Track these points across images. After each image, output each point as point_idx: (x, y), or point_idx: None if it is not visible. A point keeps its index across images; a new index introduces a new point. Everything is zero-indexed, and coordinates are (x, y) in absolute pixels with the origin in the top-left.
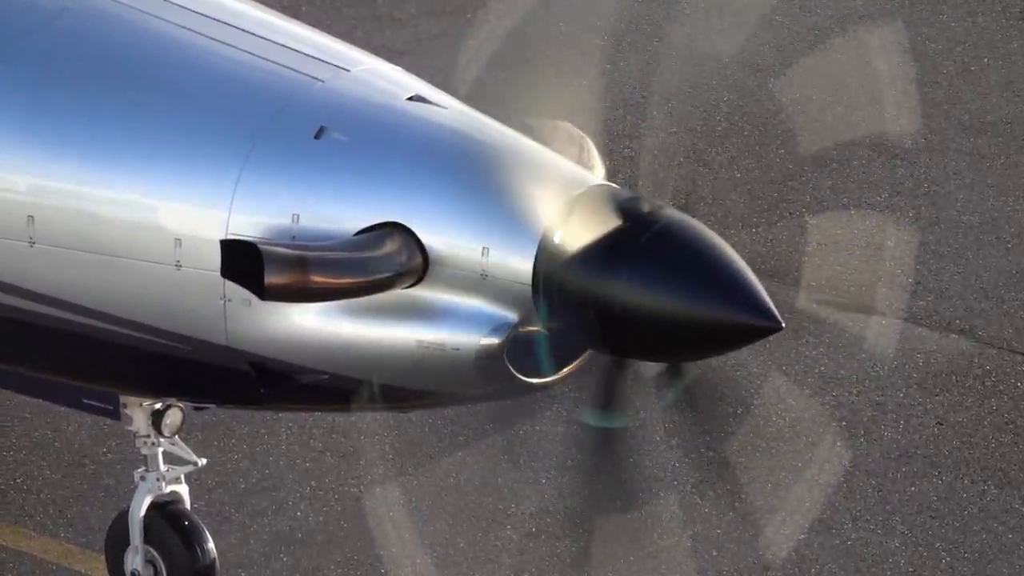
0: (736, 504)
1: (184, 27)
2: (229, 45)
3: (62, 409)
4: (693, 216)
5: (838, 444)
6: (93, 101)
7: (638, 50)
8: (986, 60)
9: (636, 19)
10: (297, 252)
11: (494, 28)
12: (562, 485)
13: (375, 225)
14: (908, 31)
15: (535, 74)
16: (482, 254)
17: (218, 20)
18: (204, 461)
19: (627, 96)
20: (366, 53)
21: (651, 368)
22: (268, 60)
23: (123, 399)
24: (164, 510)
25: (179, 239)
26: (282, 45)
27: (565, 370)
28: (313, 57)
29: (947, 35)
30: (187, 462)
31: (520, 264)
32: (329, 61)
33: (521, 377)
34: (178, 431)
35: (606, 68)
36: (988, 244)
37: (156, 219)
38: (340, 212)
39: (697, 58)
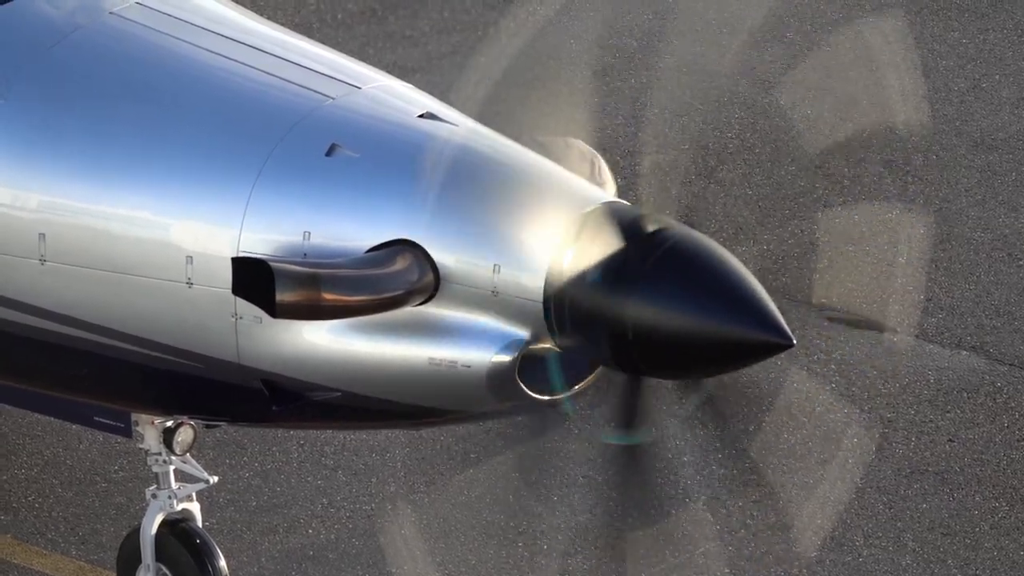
0: (748, 521)
1: (195, 45)
2: (240, 63)
3: (73, 427)
4: (704, 233)
5: (849, 461)
6: (104, 118)
7: (649, 67)
8: (997, 77)
9: (647, 36)
10: (308, 270)
11: (505, 46)
12: (573, 502)
13: (386, 242)
14: (919, 48)
15: (546, 91)
16: (493, 271)
17: (229, 38)
18: (215, 479)
19: (638, 113)
20: (377, 71)
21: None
22: (280, 78)
23: (134, 417)
24: (176, 528)
25: (190, 257)
26: (294, 63)
27: (576, 388)
28: (324, 75)
29: (958, 52)
30: (198, 480)
31: (531, 281)
32: (340, 79)
33: (532, 394)
34: (189, 449)
35: (617, 85)
36: (999, 261)
37: (167, 236)
38: (351, 229)
39: (708, 75)
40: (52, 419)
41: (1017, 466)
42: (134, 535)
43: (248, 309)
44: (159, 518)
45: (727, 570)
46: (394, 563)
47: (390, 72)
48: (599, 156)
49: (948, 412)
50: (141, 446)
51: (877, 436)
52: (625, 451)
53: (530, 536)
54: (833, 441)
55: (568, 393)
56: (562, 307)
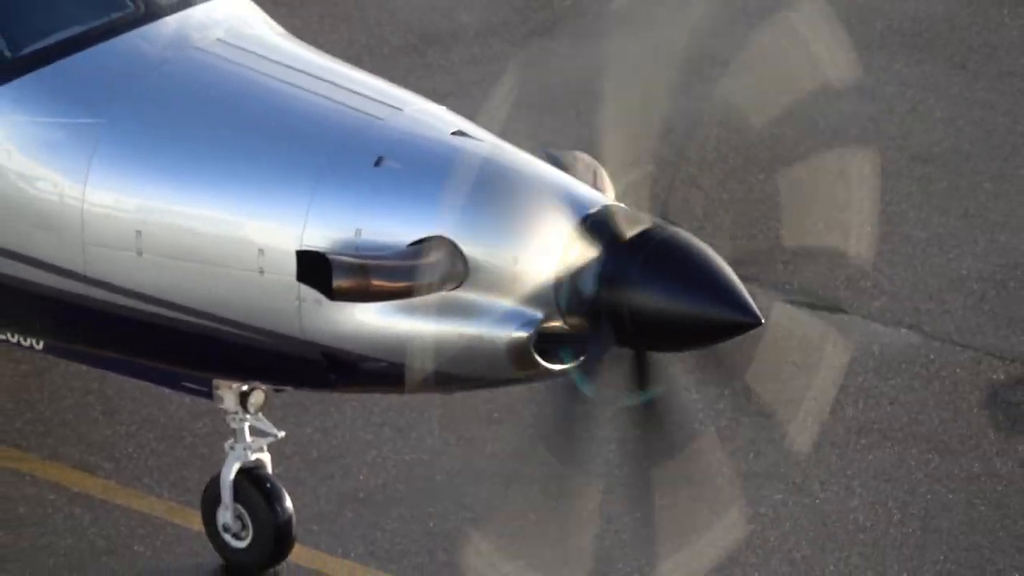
0: (725, 469)
1: (266, 74)
2: (303, 89)
3: (165, 391)
4: (688, 231)
5: (808, 419)
6: (190, 135)
7: (642, 91)
8: (932, 101)
9: (639, 67)
10: (360, 260)
11: (525, 75)
12: (580, 454)
13: (425, 238)
14: (867, 76)
15: (558, 113)
16: (513, 262)
17: (294, 68)
18: (283, 434)
19: (632, 130)
20: (417, 95)
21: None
22: (336, 101)
23: (215, 382)
24: (250, 474)
25: (262, 250)
26: (347, 89)
27: (581, 358)
28: (373, 99)
29: (899, 80)
30: (268, 434)
31: (545, 270)
32: (386, 102)
33: (545, 364)
34: (261, 409)
35: (614, 107)
36: (933, 255)
37: (243, 233)
38: (396, 227)
39: (692, 99)
40: (147, 384)
41: (948, 424)
42: (215, 480)
43: (310, 293)
44: (236, 466)
45: (706, 510)
46: (431, 504)
47: (427, 97)
48: (600, 167)
49: (890, 379)
50: (221, 407)
51: (831, 399)
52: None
53: (545, 482)
54: (795, 403)
55: (574, 364)
56: (570, 292)
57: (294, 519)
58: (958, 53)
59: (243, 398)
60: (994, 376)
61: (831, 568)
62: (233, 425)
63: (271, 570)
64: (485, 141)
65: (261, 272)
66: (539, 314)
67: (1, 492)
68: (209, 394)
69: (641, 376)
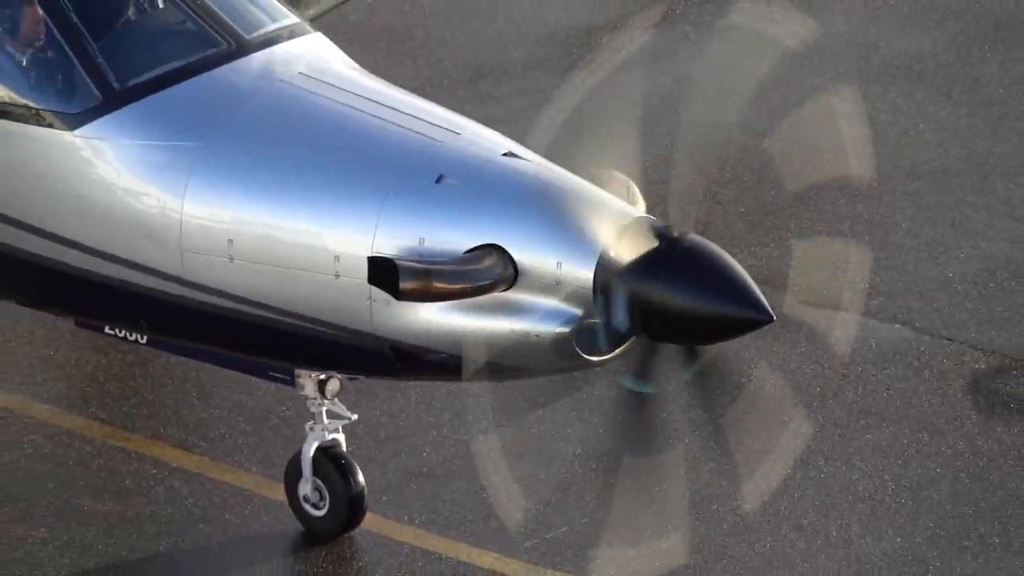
0: (740, 448)
1: (341, 103)
2: (375, 116)
3: (253, 379)
4: (709, 239)
5: (814, 403)
6: (276, 156)
7: (669, 118)
8: (922, 126)
9: (666, 97)
10: (423, 265)
11: (567, 104)
12: (615, 435)
13: (479, 246)
14: (866, 104)
15: (595, 137)
16: (556, 267)
17: (365, 97)
18: (355, 416)
19: (660, 152)
20: (472, 121)
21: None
22: (402, 127)
23: (297, 372)
24: (327, 452)
25: (338, 256)
26: (412, 115)
27: (616, 351)
28: (435, 124)
29: (894, 107)
30: (343, 417)
31: (584, 274)
32: (445, 127)
33: (585, 356)
34: (337, 395)
35: (645, 132)
36: (923, 260)
37: (321, 241)
38: (454, 236)
39: (711, 124)
40: (237, 373)
41: (936, 407)
42: (297, 457)
43: (380, 294)
44: (315, 445)
45: (724, 483)
46: (484, 477)
47: (481, 122)
48: (633, 183)
49: (885, 369)
50: (302, 393)
51: (834, 386)
52: (634, 396)
53: (583, 459)
54: (802, 389)
55: (610, 355)
56: (606, 293)
57: (366, 491)
58: (945, 84)
59: (321, 385)
60: (976, 366)
61: (833, 533)
62: (312, 409)
63: (345, 536)
64: (532, 161)
65: (337, 276)
66: (579, 312)
67: (110, 467)
68: (292, 382)
69: (645, 368)
